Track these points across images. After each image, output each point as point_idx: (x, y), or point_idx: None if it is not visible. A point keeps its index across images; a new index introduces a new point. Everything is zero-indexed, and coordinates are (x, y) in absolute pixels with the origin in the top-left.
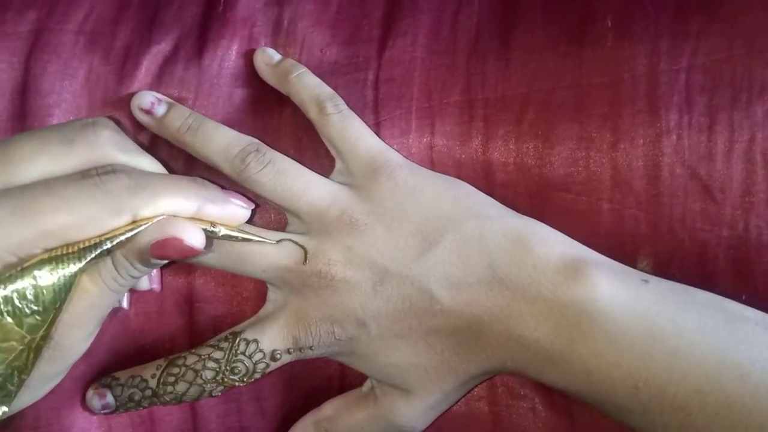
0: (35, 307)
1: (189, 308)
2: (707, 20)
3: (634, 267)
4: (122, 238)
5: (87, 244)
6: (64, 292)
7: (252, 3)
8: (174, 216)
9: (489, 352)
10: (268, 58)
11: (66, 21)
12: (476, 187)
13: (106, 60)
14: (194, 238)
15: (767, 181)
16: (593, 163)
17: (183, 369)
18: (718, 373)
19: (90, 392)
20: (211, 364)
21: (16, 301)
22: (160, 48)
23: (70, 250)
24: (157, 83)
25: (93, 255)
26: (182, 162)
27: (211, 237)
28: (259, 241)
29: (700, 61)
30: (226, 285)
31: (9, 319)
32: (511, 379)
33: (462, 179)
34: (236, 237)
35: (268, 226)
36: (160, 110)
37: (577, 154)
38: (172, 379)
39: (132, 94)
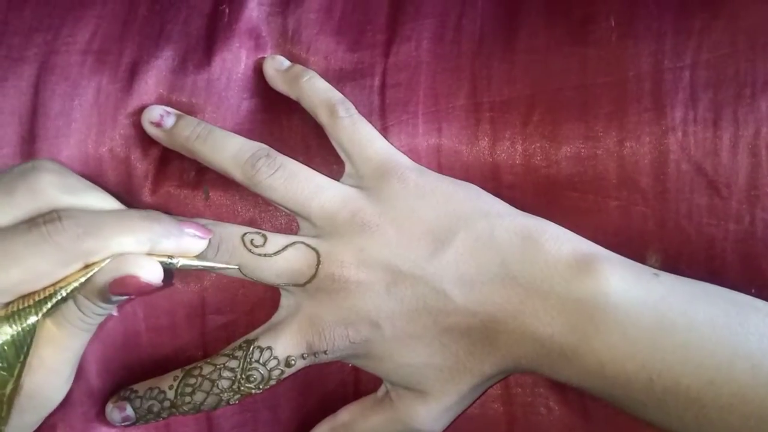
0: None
1: (201, 320)
2: (710, 17)
3: (643, 263)
4: (76, 284)
5: (42, 295)
6: (26, 345)
7: (256, 14)
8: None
9: (504, 351)
10: (278, 64)
11: (72, 42)
12: (484, 189)
13: (114, 78)
14: (151, 274)
15: None
16: (600, 161)
17: (199, 379)
18: (730, 365)
19: (110, 406)
20: (226, 374)
21: None
22: (168, 62)
23: (26, 304)
24: (166, 97)
25: (49, 305)
26: (194, 173)
27: (169, 268)
28: (221, 268)
29: (704, 58)
30: (237, 294)
31: None
32: (525, 379)
33: (470, 181)
34: (196, 266)
35: (279, 231)
36: (169, 122)
37: (583, 153)
38: (189, 389)
39: (142, 110)
